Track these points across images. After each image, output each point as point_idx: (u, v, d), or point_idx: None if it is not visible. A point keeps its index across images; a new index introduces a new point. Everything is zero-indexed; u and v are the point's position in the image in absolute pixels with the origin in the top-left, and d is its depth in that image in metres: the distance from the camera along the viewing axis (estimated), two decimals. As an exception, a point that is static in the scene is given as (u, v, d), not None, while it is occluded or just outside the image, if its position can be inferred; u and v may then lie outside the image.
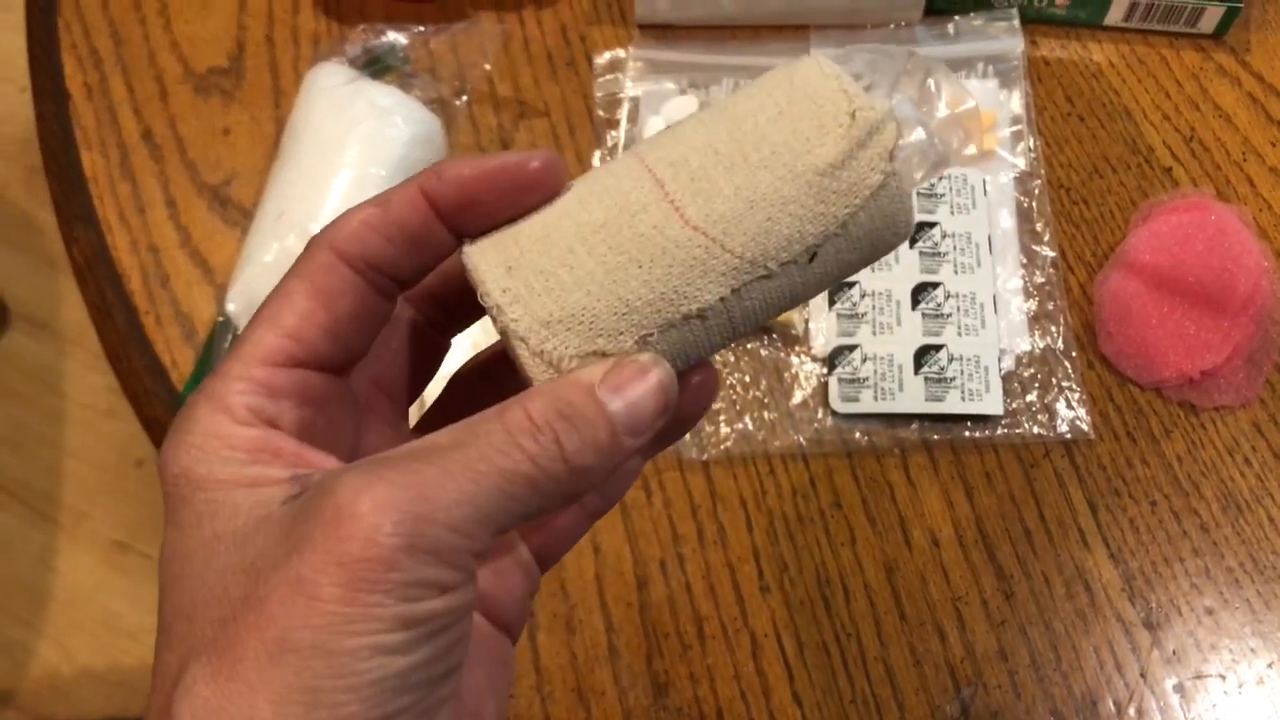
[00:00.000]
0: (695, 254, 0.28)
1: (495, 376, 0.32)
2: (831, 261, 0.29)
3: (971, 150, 0.30)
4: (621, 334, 0.28)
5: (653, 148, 0.29)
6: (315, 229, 0.52)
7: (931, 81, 0.30)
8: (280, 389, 0.27)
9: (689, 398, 0.29)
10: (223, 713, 0.23)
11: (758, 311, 0.29)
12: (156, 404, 0.57)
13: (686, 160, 0.28)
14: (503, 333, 0.28)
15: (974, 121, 0.30)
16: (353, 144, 0.55)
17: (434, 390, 0.33)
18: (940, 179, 0.58)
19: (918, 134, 0.29)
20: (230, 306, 0.54)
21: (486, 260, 0.28)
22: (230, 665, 0.23)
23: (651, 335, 0.28)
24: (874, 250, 0.29)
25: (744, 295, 0.28)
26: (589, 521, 0.32)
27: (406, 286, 0.29)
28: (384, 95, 0.57)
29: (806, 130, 0.28)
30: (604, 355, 0.28)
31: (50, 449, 1.43)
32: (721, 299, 0.28)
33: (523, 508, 0.25)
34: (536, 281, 0.28)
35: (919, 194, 0.58)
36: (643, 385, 0.27)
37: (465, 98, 0.61)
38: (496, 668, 0.30)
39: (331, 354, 0.28)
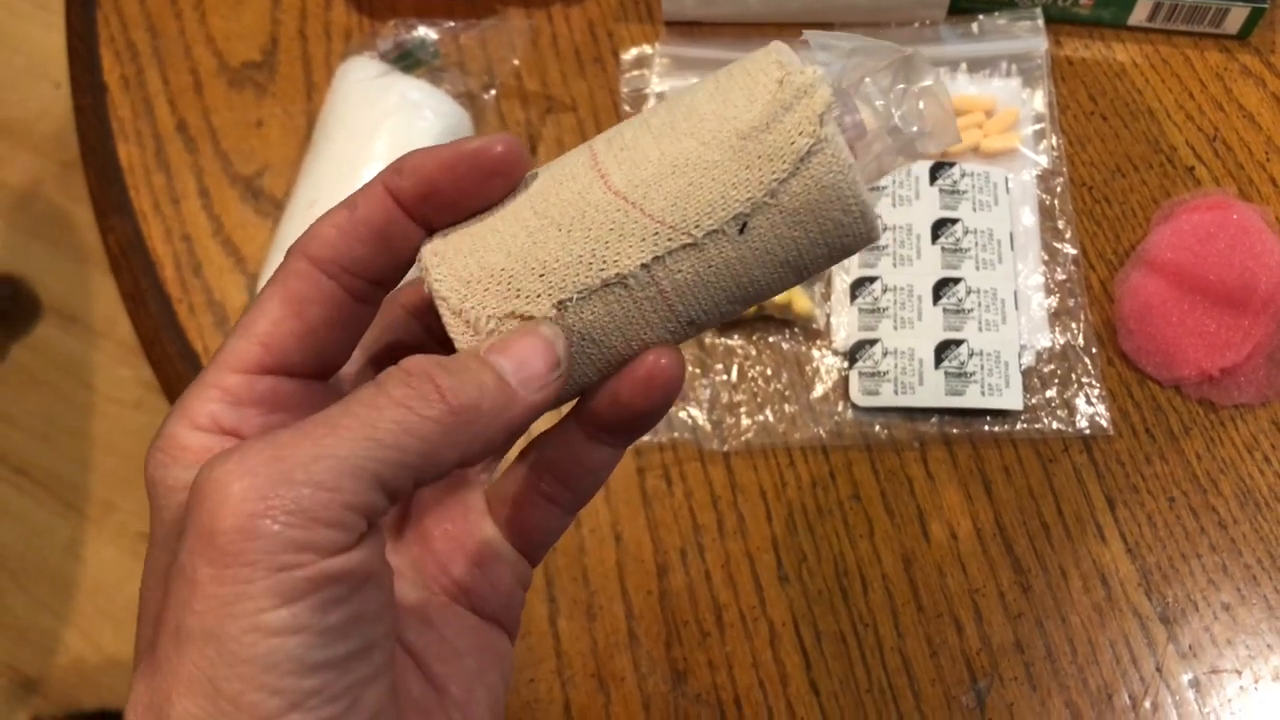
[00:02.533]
0: (613, 217, 0.27)
1: None
2: (769, 237, 0.27)
3: (947, 143, 0.30)
4: (539, 295, 0.27)
5: (604, 132, 0.29)
6: None
7: (909, 74, 0.29)
8: (247, 396, 0.27)
9: (641, 387, 0.28)
10: (150, 706, 0.23)
11: (696, 290, 0.28)
12: (188, 390, 0.58)
13: (621, 134, 0.28)
14: (429, 293, 0.28)
15: (941, 112, 0.29)
16: (383, 136, 0.56)
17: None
18: (963, 176, 0.58)
19: (880, 118, 0.28)
20: None
21: (432, 239, 0.28)
22: (152, 660, 0.23)
23: (570, 299, 0.27)
24: (824, 232, 0.27)
25: (670, 266, 0.27)
26: (567, 517, 0.31)
27: (385, 286, 0.29)
28: (414, 89, 0.58)
29: (736, 99, 0.27)
30: (522, 318, 0.27)
31: (79, 441, 1.45)
32: (643, 265, 0.27)
33: (404, 455, 0.24)
34: (464, 244, 0.28)
35: (942, 191, 0.58)
36: (527, 338, 0.27)
37: (494, 92, 0.62)
38: (488, 659, 0.30)
39: (305, 360, 0.28)
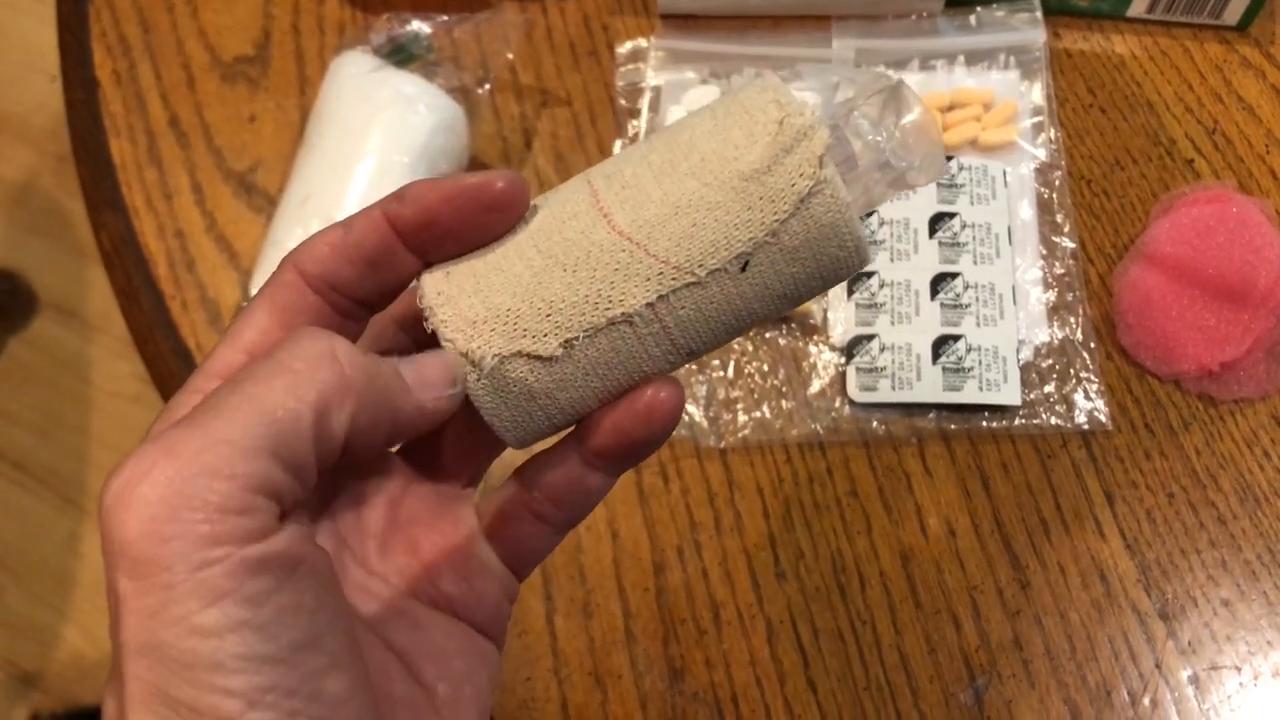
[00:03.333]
0: (619, 258, 0.28)
1: None
2: (769, 274, 0.28)
3: (935, 175, 0.30)
4: (546, 335, 0.28)
5: (601, 165, 0.29)
6: (339, 215, 0.53)
7: (898, 105, 0.29)
8: None
9: (641, 418, 0.28)
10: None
11: (698, 324, 0.28)
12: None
13: (621, 171, 0.29)
14: (435, 334, 0.28)
15: (931, 145, 0.30)
16: (376, 131, 0.56)
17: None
18: (960, 170, 0.58)
19: (872, 152, 0.29)
20: (254, 291, 0.55)
21: (431, 273, 0.28)
22: (114, 677, 0.23)
23: (576, 338, 0.28)
24: (820, 266, 0.28)
25: (674, 303, 0.28)
26: (557, 536, 0.31)
27: (373, 309, 0.29)
28: (408, 83, 0.57)
29: (736, 138, 0.28)
30: (528, 357, 0.28)
31: (77, 435, 1.45)
32: (649, 304, 0.28)
33: (300, 426, 0.23)
34: (468, 283, 0.28)
35: (940, 185, 0.58)
36: (431, 357, 0.27)
37: (488, 86, 0.62)
38: (475, 662, 0.30)
39: None
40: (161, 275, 0.60)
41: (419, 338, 0.28)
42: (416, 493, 0.31)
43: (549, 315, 0.28)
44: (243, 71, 0.65)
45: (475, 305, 0.28)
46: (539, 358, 0.28)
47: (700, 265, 0.28)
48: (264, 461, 0.22)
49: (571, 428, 0.30)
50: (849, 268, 0.29)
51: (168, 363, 0.59)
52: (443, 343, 0.28)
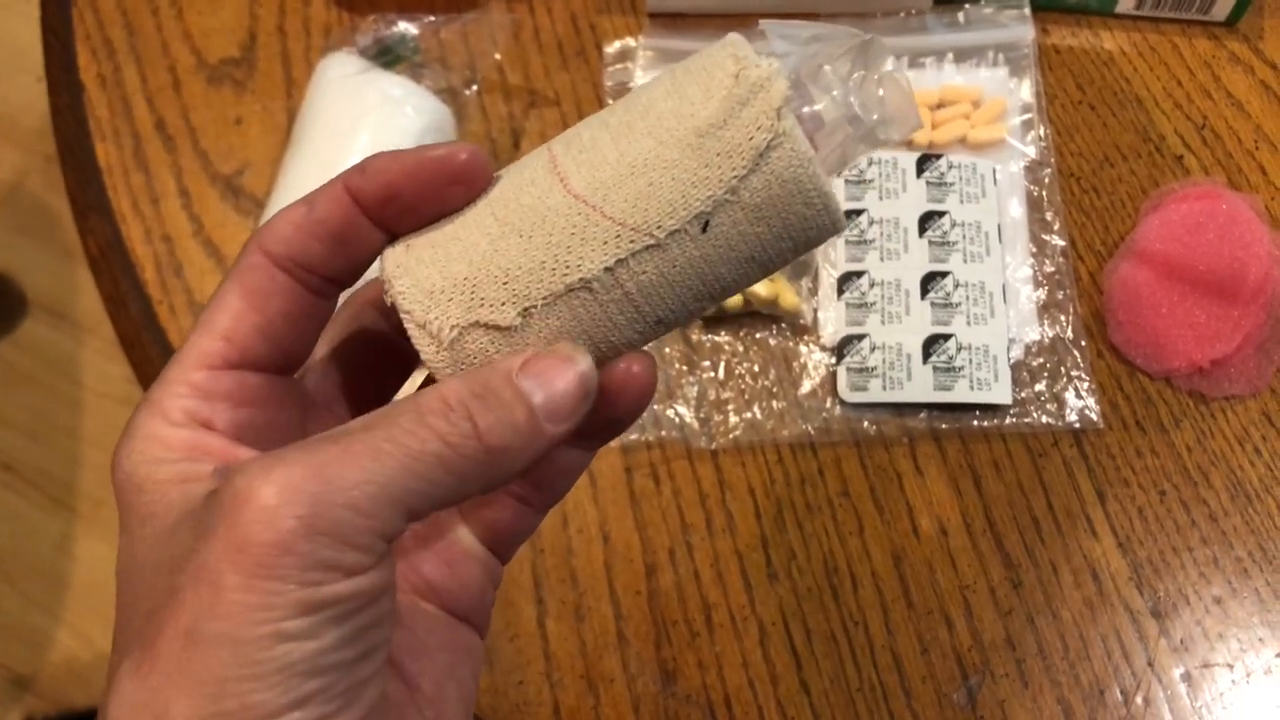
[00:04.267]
0: (574, 221, 0.27)
1: None
2: (733, 234, 0.27)
3: (909, 130, 0.29)
4: (504, 303, 0.27)
5: (564, 132, 0.29)
6: None
7: (868, 60, 0.29)
8: (216, 391, 0.27)
9: (614, 394, 0.28)
10: (142, 706, 0.23)
11: (662, 289, 0.27)
12: (170, 392, 0.58)
13: (579, 135, 0.28)
14: (394, 307, 0.28)
15: (901, 98, 0.29)
16: (364, 133, 0.56)
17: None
18: (950, 168, 0.58)
19: (840, 107, 0.28)
20: None
21: (393, 246, 0.28)
22: (151, 659, 0.23)
23: (534, 306, 0.27)
24: (787, 226, 0.27)
25: (634, 267, 0.27)
26: (537, 516, 0.31)
27: (342, 284, 0.29)
28: (395, 85, 0.57)
29: (692, 95, 0.27)
30: (487, 327, 0.27)
31: (68, 437, 1.44)
32: (607, 269, 0.27)
33: (434, 489, 0.24)
34: (426, 254, 0.27)
35: (929, 184, 0.58)
36: (562, 371, 0.26)
37: (475, 87, 0.62)
38: (459, 655, 0.30)
39: (268, 354, 0.28)
40: (149, 280, 0.60)
41: (396, 320, 0.28)
42: None
43: (506, 283, 0.27)
44: (228, 74, 0.65)
45: (433, 276, 0.27)
46: (498, 327, 0.27)
47: (658, 226, 0.27)
48: (397, 511, 0.24)
49: None
50: (820, 228, 0.28)
51: (156, 367, 0.58)
52: (401, 315, 0.27)
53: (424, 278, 0.27)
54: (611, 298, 0.27)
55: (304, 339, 0.29)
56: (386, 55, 0.60)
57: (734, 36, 0.28)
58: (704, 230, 0.27)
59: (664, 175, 0.27)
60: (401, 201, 0.27)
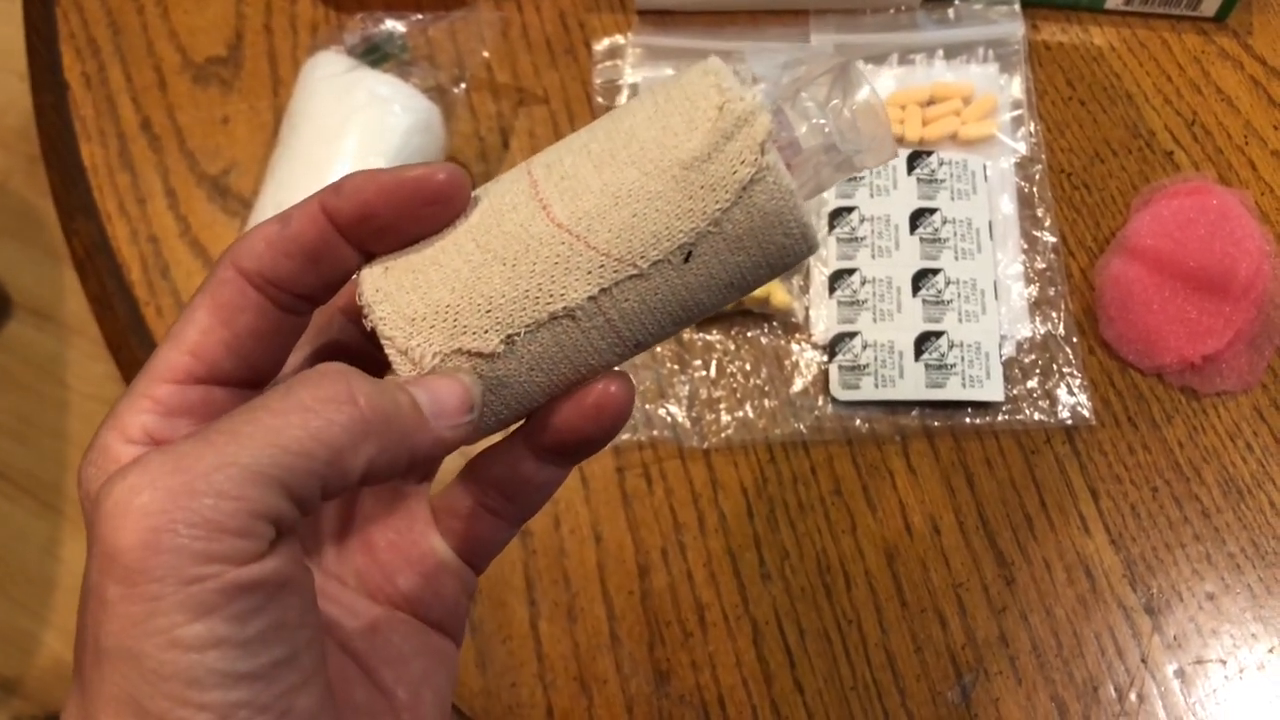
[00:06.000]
0: (559, 251, 0.27)
1: None
2: (713, 264, 0.27)
3: (884, 159, 0.29)
4: (486, 331, 0.27)
5: (542, 153, 0.29)
6: None
7: (845, 86, 0.29)
8: (178, 407, 0.26)
9: (591, 414, 0.28)
10: None
11: (642, 316, 0.28)
12: (157, 394, 0.57)
13: (561, 160, 0.28)
14: (374, 333, 0.27)
15: (878, 128, 0.29)
16: (352, 133, 0.55)
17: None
18: (940, 165, 0.58)
19: (817, 135, 0.28)
20: None
21: (370, 268, 0.28)
22: (81, 686, 0.23)
23: (518, 334, 0.27)
24: (766, 254, 0.28)
25: (617, 296, 0.27)
26: (511, 530, 0.31)
27: (316, 302, 0.28)
28: (382, 84, 0.57)
29: (676, 125, 0.27)
30: (469, 354, 0.27)
31: (55, 439, 1.43)
32: (590, 298, 0.27)
33: (309, 462, 0.23)
34: (406, 279, 0.27)
35: (920, 180, 0.58)
36: (445, 380, 0.27)
37: (464, 85, 0.61)
38: (434, 663, 0.30)
39: (235, 369, 0.27)
40: (135, 281, 0.59)
41: (368, 330, 0.28)
42: (371, 491, 0.31)
43: (489, 311, 0.27)
44: (215, 73, 0.64)
45: (414, 302, 0.27)
46: (480, 354, 0.27)
47: (642, 257, 0.27)
48: (270, 490, 0.22)
49: (521, 421, 0.29)
50: (796, 255, 0.28)
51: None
52: (381, 341, 0.27)
53: (405, 304, 0.27)
54: (594, 325, 0.28)
55: (274, 355, 0.28)
56: (374, 54, 0.60)
57: (715, 63, 0.28)
58: (686, 260, 0.27)
59: (648, 207, 0.27)
60: (377, 221, 0.27)
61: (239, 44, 0.65)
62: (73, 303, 1.51)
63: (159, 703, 0.21)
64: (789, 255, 0.28)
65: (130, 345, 0.58)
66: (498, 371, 0.27)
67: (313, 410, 0.23)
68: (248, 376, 0.27)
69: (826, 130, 0.28)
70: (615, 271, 0.27)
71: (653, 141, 0.27)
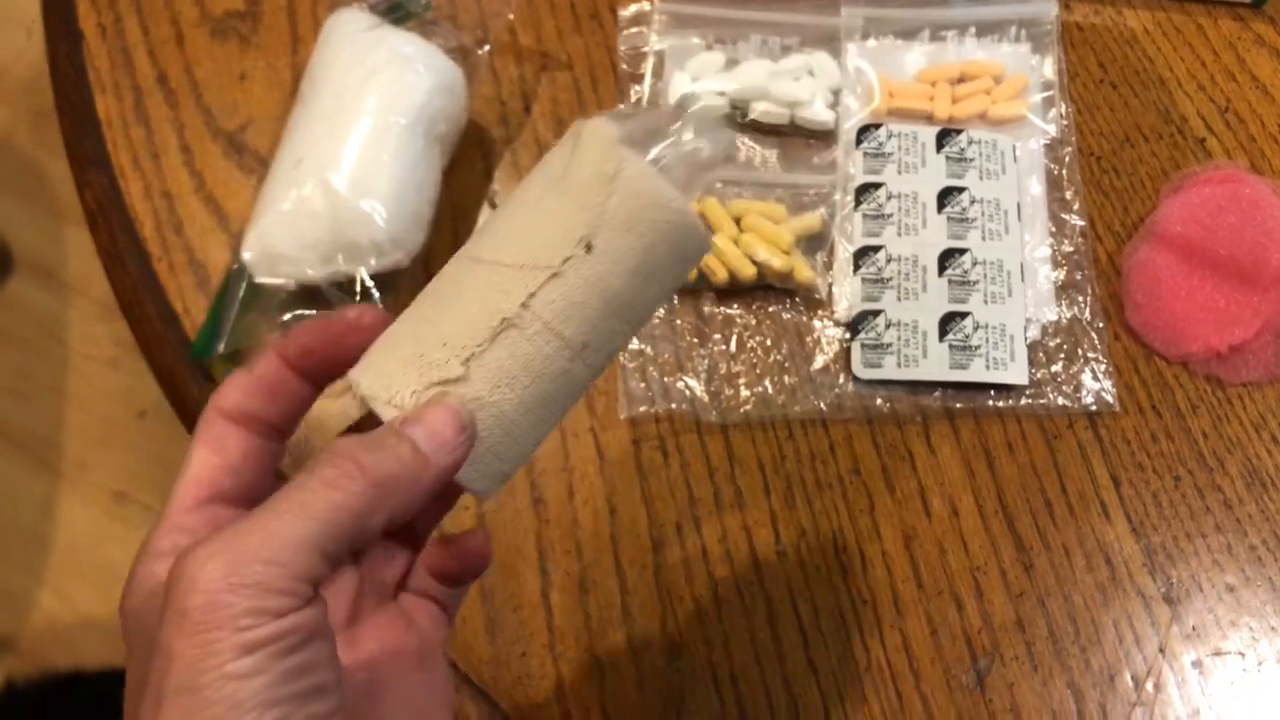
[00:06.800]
0: (487, 278, 0.32)
1: None
2: (614, 249, 0.32)
3: (724, 147, 0.35)
4: (447, 360, 0.31)
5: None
6: (334, 178, 0.52)
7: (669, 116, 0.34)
8: (194, 526, 0.32)
9: (459, 553, 0.38)
10: None
11: (571, 311, 0.32)
12: (168, 352, 0.56)
13: (478, 228, 0.35)
14: (364, 402, 0.32)
15: (712, 120, 0.36)
16: (373, 91, 0.54)
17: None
18: (970, 143, 0.57)
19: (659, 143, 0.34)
20: (246, 255, 0.53)
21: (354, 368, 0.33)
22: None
23: (473, 354, 0.31)
24: (658, 234, 0.32)
25: (543, 298, 0.31)
26: (460, 590, 0.39)
27: (284, 432, 0.34)
28: (406, 43, 0.56)
29: (551, 162, 0.33)
30: (439, 384, 0.31)
31: (54, 398, 1.42)
32: (522, 304, 0.31)
33: (337, 528, 0.28)
34: (378, 352, 0.33)
35: (949, 159, 0.57)
36: (436, 409, 0.31)
37: (487, 48, 0.60)
38: (428, 698, 0.36)
39: (235, 487, 0.33)
40: (148, 237, 0.58)
41: (306, 369, 0.34)
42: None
43: (445, 344, 0.31)
44: (233, 27, 0.63)
45: (389, 363, 0.32)
46: (448, 380, 0.31)
47: (553, 258, 0.31)
48: (308, 554, 0.28)
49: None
50: (689, 232, 0.33)
51: (154, 326, 0.57)
52: (370, 402, 0.32)
53: (382, 368, 0.32)
54: (534, 330, 0.32)
55: (261, 474, 0.34)
56: (397, 11, 0.59)
57: (595, 120, 0.33)
58: (589, 251, 0.32)
59: (544, 219, 0.32)
60: (316, 354, 0.33)
61: (258, -1, 0.64)
62: (75, 262, 1.50)
63: None
64: (681, 233, 0.33)
65: (141, 301, 0.58)
66: (468, 394, 0.31)
67: (334, 484, 0.29)
68: (243, 493, 0.33)
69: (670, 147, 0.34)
70: (534, 278, 0.31)
71: (537, 179, 0.33)
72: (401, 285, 0.54)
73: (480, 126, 0.61)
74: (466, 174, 0.59)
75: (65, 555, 1.34)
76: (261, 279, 0.54)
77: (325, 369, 0.34)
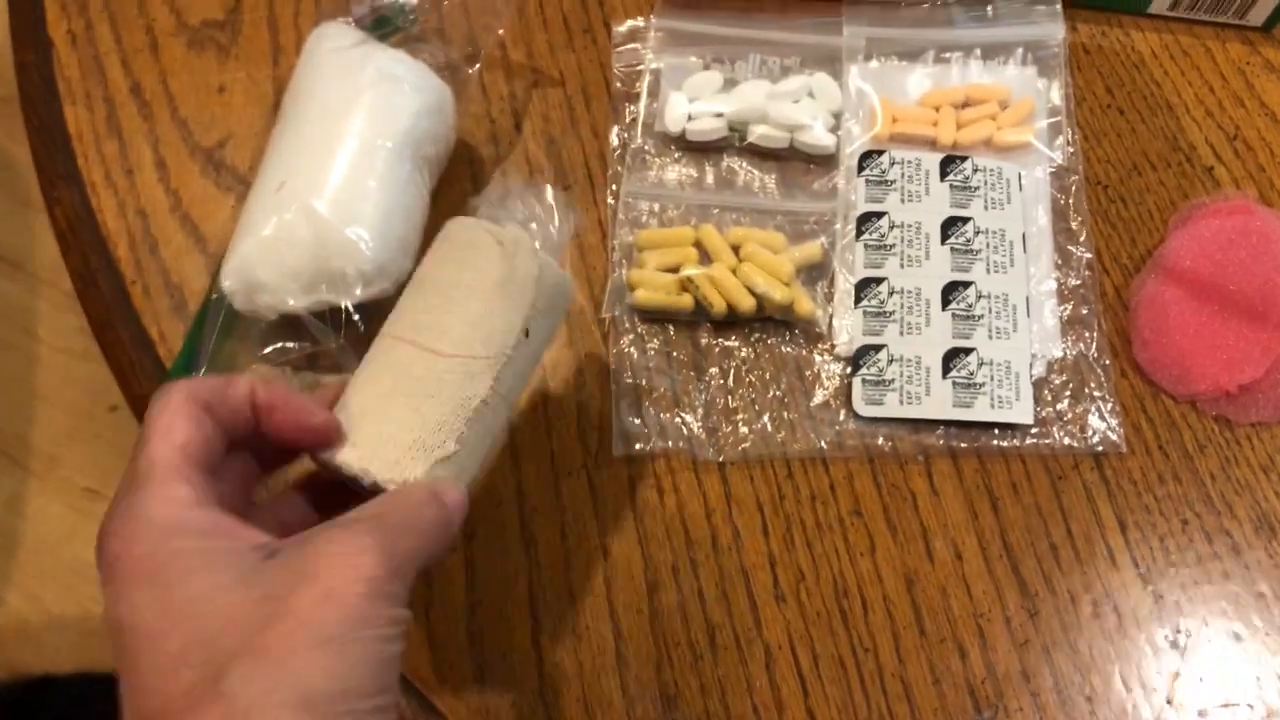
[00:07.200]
0: (460, 370, 0.41)
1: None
2: (540, 331, 0.43)
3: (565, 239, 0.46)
4: (444, 442, 0.40)
5: (393, 325, 0.42)
6: (318, 203, 0.50)
7: (533, 198, 0.45)
8: (196, 481, 0.35)
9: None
10: (279, 687, 0.30)
11: (514, 382, 0.43)
12: (143, 379, 0.54)
13: (417, 320, 0.42)
14: (373, 487, 0.39)
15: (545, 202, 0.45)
16: (360, 113, 0.52)
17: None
18: (975, 171, 0.55)
19: (537, 234, 0.44)
20: (226, 284, 0.51)
21: (343, 451, 0.39)
22: (280, 658, 0.31)
23: (462, 432, 0.40)
24: (558, 310, 0.45)
25: (502, 378, 0.41)
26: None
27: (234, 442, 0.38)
28: (393, 62, 0.53)
29: (478, 264, 0.42)
30: (439, 461, 0.39)
31: (22, 391, 1.39)
32: (490, 388, 0.41)
33: (426, 556, 0.36)
34: (376, 443, 0.39)
35: (953, 187, 0.55)
36: (454, 492, 0.39)
37: (478, 65, 0.58)
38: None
39: (206, 462, 0.36)
40: (122, 258, 0.56)
41: (261, 420, 0.38)
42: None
43: (439, 430, 0.40)
44: (211, 37, 0.61)
45: (393, 453, 0.39)
46: (446, 458, 0.40)
47: (506, 347, 0.42)
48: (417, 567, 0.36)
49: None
50: (569, 300, 0.46)
51: (128, 353, 0.55)
52: (383, 486, 0.39)
53: (389, 457, 0.39)
54: (496, 402, 0.41)
55: (217, 461, 0.37)
56: (383, 26, 0.57)
57: (469, 220, 0.44)
58: (527, 336, 0.42)
59: (496, 319, 0.42)
60: (276, 420, 0.38)
61: (237, 8, 0.62)
62: (43, 252, 1.46)
63: (358, 669, 0.32)
64: (567, 302, 0.45)
65: (115, 325, 0.55)
66: (460, 461, 0.40)
67: (437, 524, 0.37)
68: (211, 471, 0.36)
69: (542, 227, 0.45)
70: (496, 364, 0.41)
71: (470, 280, 0.42)
72: (385, 313, 0.52)
73: (469, 145, 0.58)
74: (454, 194, 0.57)
75: (34, 555, 1.31)
76: (241, 308, 0.51)
77: (273, 431, 0.38)
